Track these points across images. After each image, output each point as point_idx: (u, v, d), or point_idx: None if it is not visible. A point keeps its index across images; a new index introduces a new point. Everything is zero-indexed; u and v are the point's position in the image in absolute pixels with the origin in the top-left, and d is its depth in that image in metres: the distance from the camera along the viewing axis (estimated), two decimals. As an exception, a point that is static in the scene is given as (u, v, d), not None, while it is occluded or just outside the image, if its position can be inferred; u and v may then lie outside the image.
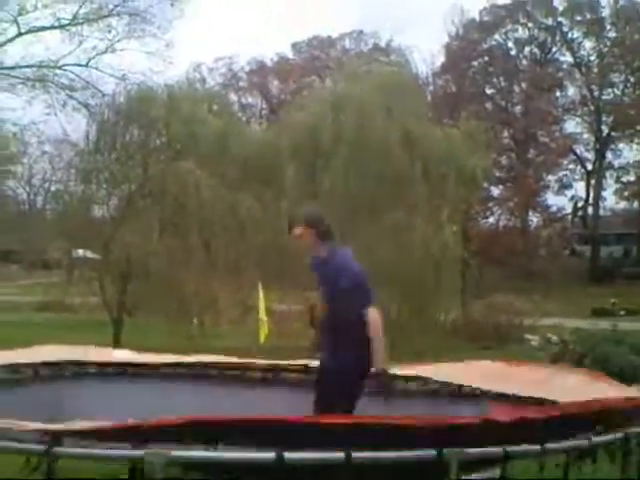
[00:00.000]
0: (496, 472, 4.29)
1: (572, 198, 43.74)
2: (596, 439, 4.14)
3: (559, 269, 34.75)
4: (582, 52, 42.37)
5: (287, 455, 3.50)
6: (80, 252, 19.30)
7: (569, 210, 44.00)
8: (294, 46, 48.80)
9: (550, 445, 3.96)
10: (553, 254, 38.07)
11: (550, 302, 21.14)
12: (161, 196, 16.57)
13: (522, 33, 42.77)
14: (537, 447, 3.90)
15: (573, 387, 5.38)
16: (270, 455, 3.49)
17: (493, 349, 16.72)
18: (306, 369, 6.38)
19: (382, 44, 43.44)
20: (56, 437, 3.57)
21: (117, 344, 15.72)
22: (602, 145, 41.95)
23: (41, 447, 3.54)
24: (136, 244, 15.81)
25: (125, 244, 16.08)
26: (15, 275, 38.18)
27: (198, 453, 3.57)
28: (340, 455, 3.51)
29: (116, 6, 27.39)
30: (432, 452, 3.67)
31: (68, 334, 16.79)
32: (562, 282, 31.88)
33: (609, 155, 42.84)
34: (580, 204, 44.08)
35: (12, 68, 27.58)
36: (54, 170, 27.48)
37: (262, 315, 12.43)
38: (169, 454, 3.46)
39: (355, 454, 3.52)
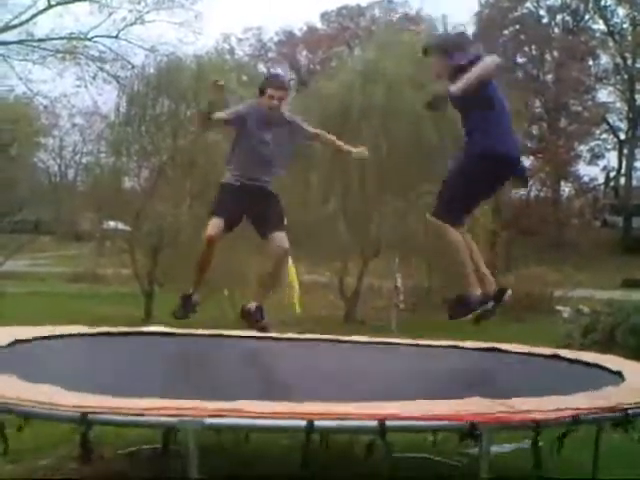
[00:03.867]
0: (527, 442, 4.27)
1: (604, 168, 43.23)
2: (631, 411, 4.10)
3: (591, 240, 34.43)
4: (615, 20, 41.53)
5: (317, 423, 3.51)
6: (111, 224, 19.45)
7: (601, 180, 43.51)
8: (323, 16, 48.41)
9: (585, 416, 3.93)
10: (585, 225, 37.73)
11: (581, 273, 20.97)
12: (190, 167, 16.62)
13: (554, 1, 42.07)
14: (570, 417, 3.86)
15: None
16: (301, 423, 3.50)
17: (524, 321, 16.65)
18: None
19: (412, 13, 42.99)
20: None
21: (148, 315, 15.88)
22: (635, 114, 41.25)
23: (77, 414, 3.57)
24: (167, 215, 15.89)
25: (156, 215, 16.17)
26: (47, 246, 38.52)
27: (232, 420, 3.58)
28: (373, 423, 3.51)
29: (145, -24, 27.47)
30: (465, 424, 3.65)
31: (100, 306, 16.99)
32: (594, 253, 31.58)
33: (643, 124, 42.23)
34: (612, 174, 43.57)
35: (42, 40, 27.74)
36: (85, 142, 27.70)
37: (295, 285, 12.47)
38: (203, 421, 3.47)
39: (389, 422, 3.51)
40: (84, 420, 3.53)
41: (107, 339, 6.68)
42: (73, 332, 6.58)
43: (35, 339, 6.06)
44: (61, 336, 6.38)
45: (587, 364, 5.79)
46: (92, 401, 3.66)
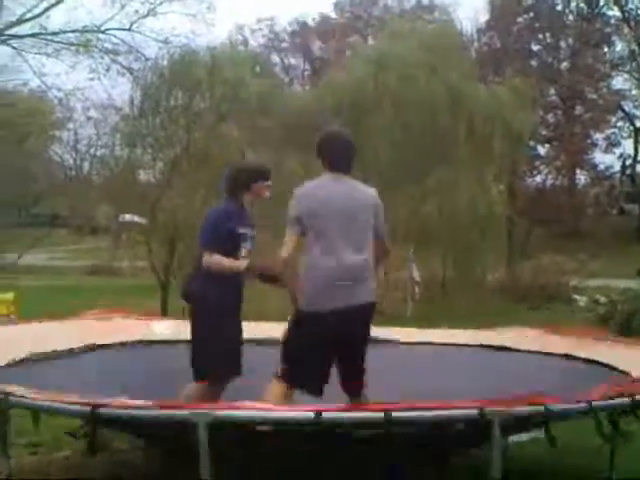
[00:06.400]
0: (540, 432, 4.25)
1: (620, 156, 42.86)
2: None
3: (607, 228, 34.24)
4: (630, 6, 41.11)
5: (325, 415, 3.50)
6: (127, 216, 19.49)
7: (617, 168, 43.14)
8: (336, 5, 48.23)
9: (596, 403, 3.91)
10: (601, 213, 37.52)
11: (597, 262, 20.79)
12: (205, 159, 16.62)
13: (568, -13, 41.78)
14: (583, 405, 3.85)
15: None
16: (309, 415, 3.49)
17: (540, 310, 16.58)
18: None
19: (425, 1, 42.79)
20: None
21: (165, 307, 15.92)
22: (652, 101, 40.99)
23: (86, 409, 3.59)
24: (182, 207, 15.90)
25: (171, 207, 16.18)
26: (64, 240, 38.72)
27: (243, 413, 3.58)
28: (379, 415, 3.50)
29: (158, -32, 27.44)
30: (474, 411, 3.64)
31: (117, 299, 17.04)
32: (610, 241, 31.36)
33: (658, 112, 41.84)
34: (628, 162, 43.22)
35: (56, 33, 27.77)
36: (99, 135, 27.65)
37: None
38: (214, 414, 3.47)
39: (395, 413, 3.50)
40: (94, 414, 3.54)
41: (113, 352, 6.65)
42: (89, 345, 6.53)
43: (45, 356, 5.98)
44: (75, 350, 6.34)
45: (599, 363, 5.75)
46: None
